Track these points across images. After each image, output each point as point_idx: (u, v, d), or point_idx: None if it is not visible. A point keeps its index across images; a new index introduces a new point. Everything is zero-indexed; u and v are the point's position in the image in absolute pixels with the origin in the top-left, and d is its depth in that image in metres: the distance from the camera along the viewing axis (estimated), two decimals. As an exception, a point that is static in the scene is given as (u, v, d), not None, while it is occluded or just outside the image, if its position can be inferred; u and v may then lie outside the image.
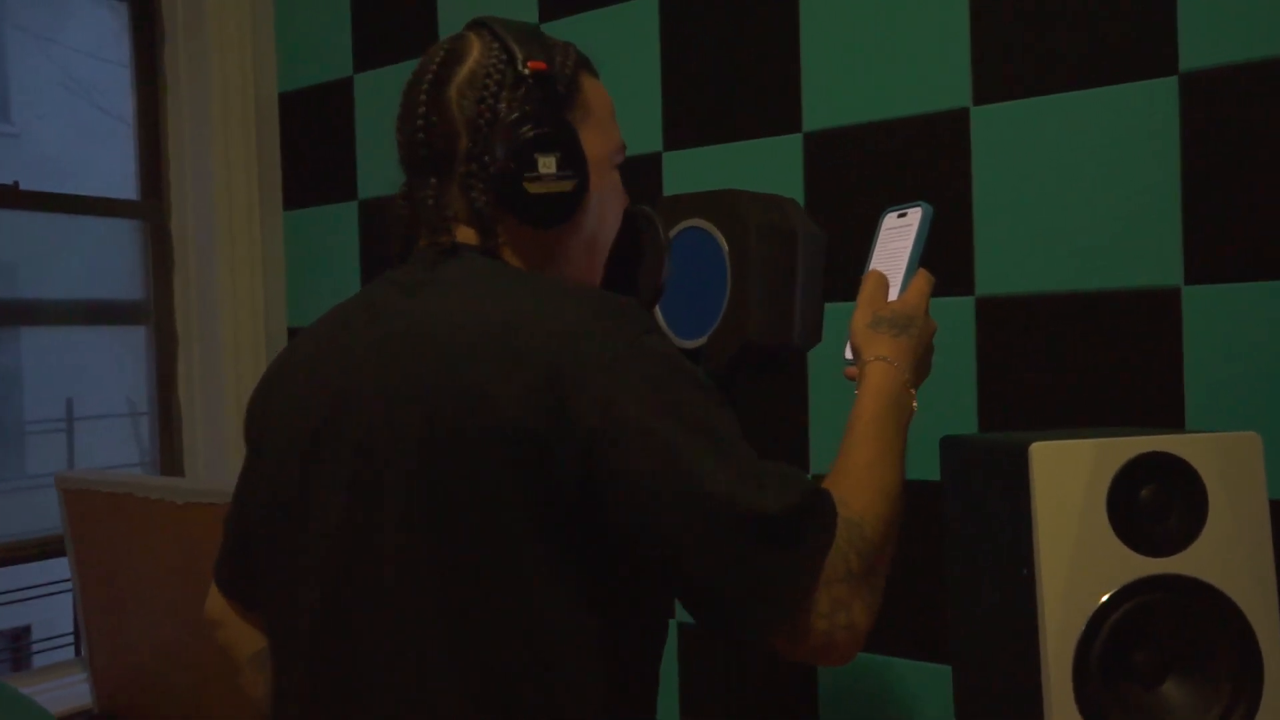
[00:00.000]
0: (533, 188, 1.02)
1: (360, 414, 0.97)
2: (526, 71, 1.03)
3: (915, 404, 1.08)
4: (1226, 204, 1.63)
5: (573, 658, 0.91)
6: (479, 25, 1.10)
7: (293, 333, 2.85)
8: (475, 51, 1.06)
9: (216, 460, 2.71)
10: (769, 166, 2.05)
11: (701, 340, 1.30)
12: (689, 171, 2.14)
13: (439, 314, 0.97)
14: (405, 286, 1.03)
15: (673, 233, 1.34)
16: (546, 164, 1.02)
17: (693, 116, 2.15)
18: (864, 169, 1.96)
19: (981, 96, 1.84)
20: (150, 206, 2.76)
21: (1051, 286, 1.78)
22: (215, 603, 1.20)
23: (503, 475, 0.89)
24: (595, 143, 1.08)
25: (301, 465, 1.01)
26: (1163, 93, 1.68)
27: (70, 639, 2.80)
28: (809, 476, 0.96)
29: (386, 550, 0.93)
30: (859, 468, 0.99)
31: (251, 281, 2.73)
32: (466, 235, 1.05)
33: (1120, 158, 1.72)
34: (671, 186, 2.17)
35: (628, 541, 0.90)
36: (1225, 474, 1.18)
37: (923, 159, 1.90)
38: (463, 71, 1.05)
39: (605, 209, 1.11)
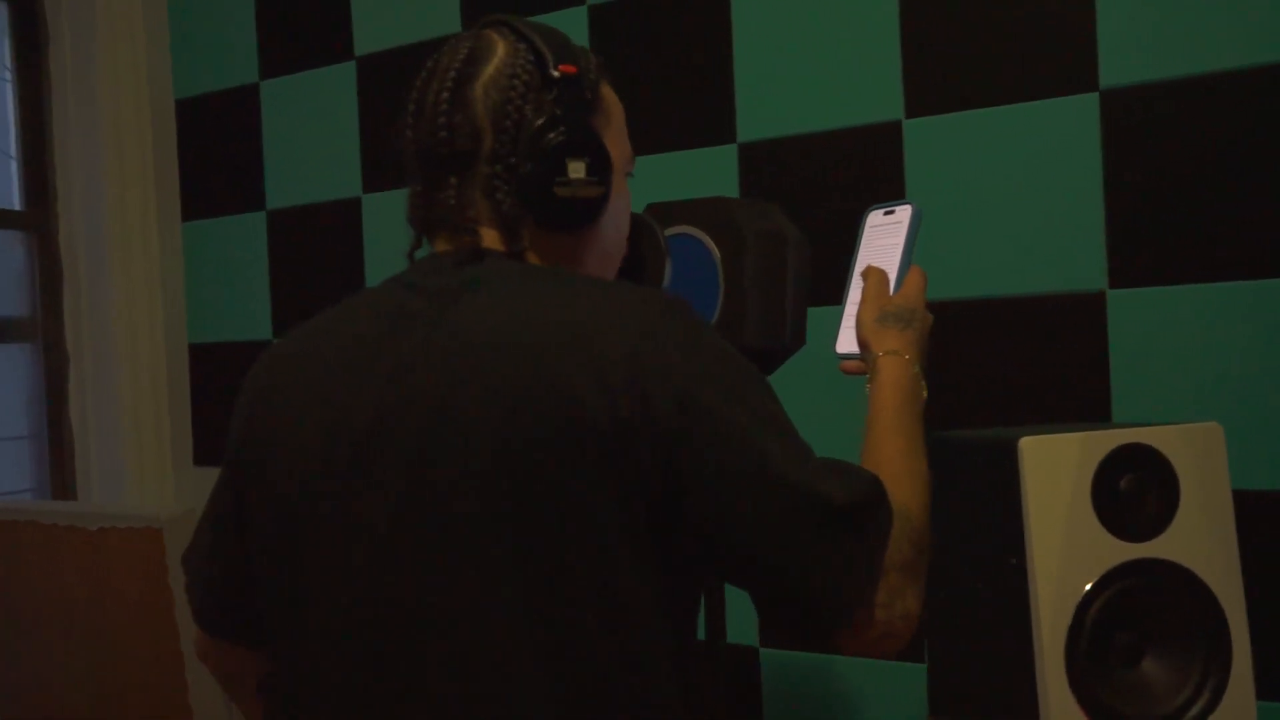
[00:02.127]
0: (561, 192, 1.01)
1: (413, 425, 0.93)
2: (557, 74, 1.02)
3: (926, 393, 1.12)
4: (1146, 212, 1.75)
5: (656, 656, 0.91)
6: (500, 24, 1.08)
7: (194, 349, 2.73)
8: (501, 50, 1.04)
9: (113, 484, 2.57)
10: (704, 177, 2.09)
11: (694, 345, 1.32)
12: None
13: (500, 316, 0.95)
14: (434, 291, 1.00)
15: (662, 238, 1.36)
16: (576, 169, 1.01)
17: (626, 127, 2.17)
18: (800, 179, 2.01)
19: (913, 110, 1.92)
20: (35, 216, 2.61)
21: (983, 292, 1.87)
22: (201, 641, 1.13)
23: (592, 468, 0.88)
24: (613, 150, 1.08)
25: (340, 483, 0.96)
26: (1085, 108, 1.79)
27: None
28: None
29: (459, 562, 0.91)
30: (893, 458, 1.01)
31: (149, 296, 2.60)
32: (490, 238, 1.03)
33: (1046, 169, 1.82)
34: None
35: (707, 532, 0.90)
36: (1193, 462, 1.27)
37: (857, 170, 1.96)
38: (489, 70, 1.03)
39: (620, 216, 1.12)
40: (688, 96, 2.11)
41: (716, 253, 1.30)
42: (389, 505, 0.93)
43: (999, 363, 1.86)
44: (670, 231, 1.36)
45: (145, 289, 2.59)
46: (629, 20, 2.16)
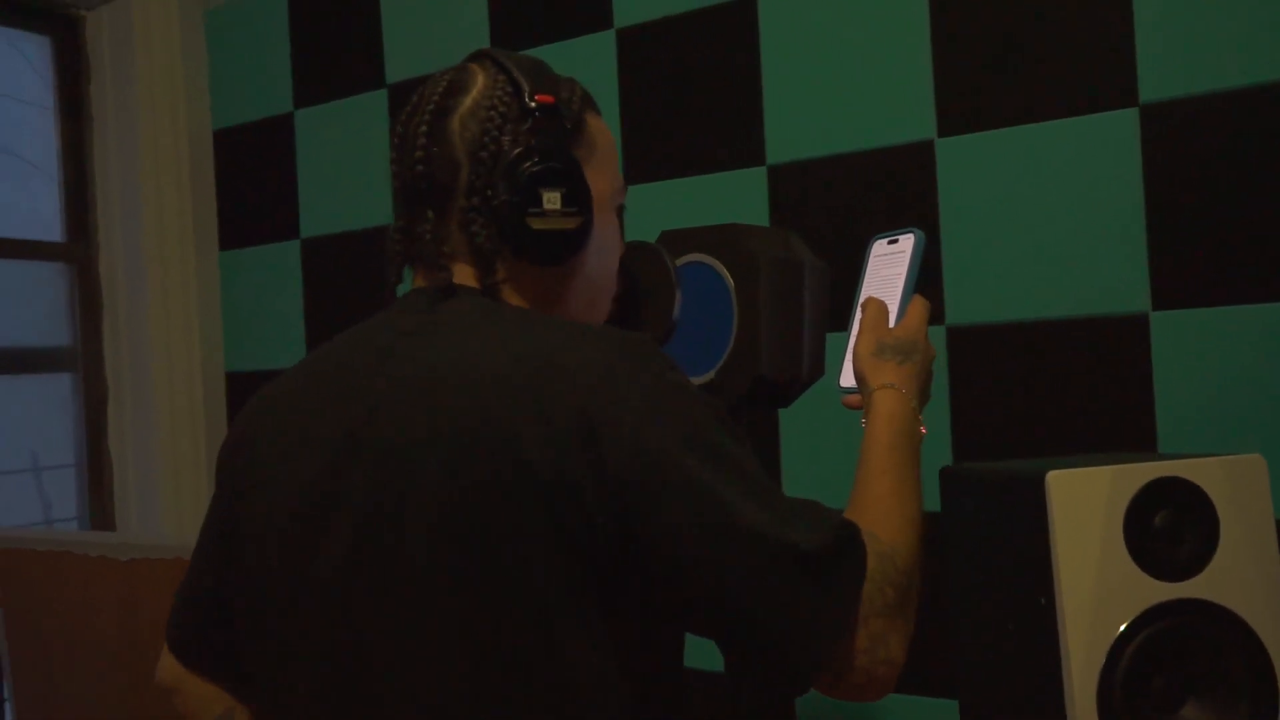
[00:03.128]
0: (536, 224, 0.98)
1: (371, 464, 0.91)
2: (533, 104, 1.00)
3: (924, 429, 1.07)
4: (1190, 230, 1.68)
5: (600, 711, 0.87)
6: (482, 56, 1.06)
7: (231, 378, 2.74)
8: (480, 82, 1.02)
9: (150, 514, 2.58)
10: (732, 200, 2.05)
11: (708, 376, 1.28)
12: (649, 207, 2.13)
13: (452, 358, 0.92)
14: (406, 329, 0.98)
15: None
16: (551, 199, 0.98)
17: (652, 150, 2.14)
18: (830, 201, 1.96)
19: (946, 129, 1.86)
20: (76, 248, 2.64)
21: (1020, 315, 1.81)
22: (170, 668, 1.11)
23: (534, 523, 0.85)
24: (599, 182, 1.05)
25: (305, 520, 0.95)
26: (1124, 124, 1.72)
27: (-6, 708, 2.63)
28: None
29: (402, 617, 0.88)
30: (881, 498, 0.97)
31: (186, 325, 2.62)
32: (464, 273, 1.01)
33: (1084, 187, 1.76)
34: (631, 221, 2.15)
35: (664, 585, 0.87)
36: (1233, 496, 1.20)
37: (889, 191, 1.91)
38: (466, 102, 1.01)
39: (606, 250, 1.08)
40: (715, 119, 2.08)
41: (730, 281, 1.26)
42: (338, 555, 0.92)
43: (1037, 390, 1.79)
44: (684, 260, 1.33)
45: (183, 318, 2.62)
46: (656, 43, 2.14)
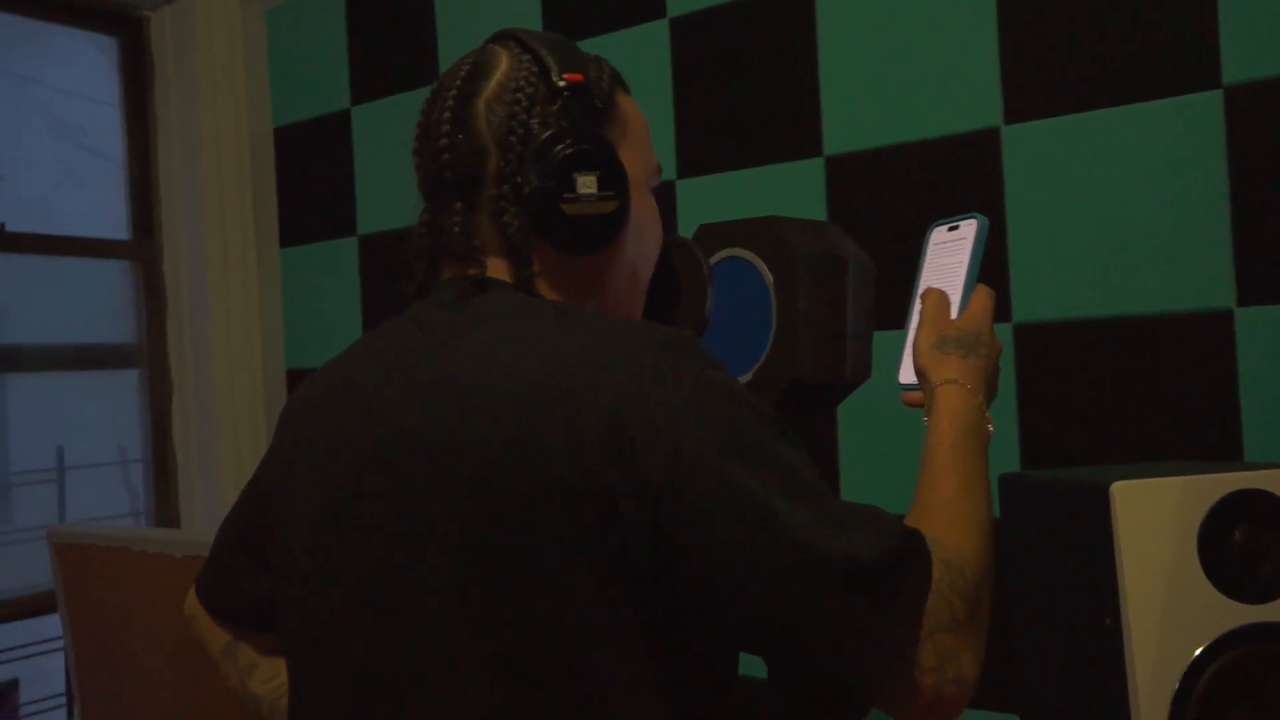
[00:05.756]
0: (571, 209, 0.92)
1: (397, 470, 0.88)
2: (562, 84, 0.94)
3: (991, 426, 0.99)
4: (1279, 220, 1.56)
5: None
6: (505, 37, 1.00)
7: (291, 375, 2.75)
8: (504, 63, 0.96)
9: (213, 509, 2.60)
10: (789, 192, 1.98)
11: (745, 378, 1.21)
12: (703, 199, 2.07)
13: (481, 359, 0.88)
14: (434, 328, 0.93)
15: (711, 262, 1.26)
16: (586, 183, 0.93)
17: (707, 142, 2.08)
18: (890, 193, 1.88)
19: (1013, 115, 1.77)
20: (141, 246, 2.67)
21: (1093, 311, 1.70)
22: (191, 600, 1.15)
23: (562, 533, 0.80)
24: (633, 163, 0.99)
25: (325, 530, 0.92)
26: (1206, 107, 1.61)
27: (63, 700, 2.67)
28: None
29: (430, 612, 0.85)
30: (946, 501, 0.90)
31: (247, 322, 2.64)
32: (497, 267, 0.96)
33: (1163, 175, 1.65)
34: (685, 215, 2.09)
35: (705, 600, 0.81)
36: (1321, 511, 1.10)
37: (952, 181, 1.82)
38: (491, 85, 0.95)
39: (645, 234, 1.02)
40: (771, 109, 2.00)
41: (770, 277, 1.19)
42: (364, 557, 0.89)
43: (1111, 392, 1.68)
44: (722, 254, 1.26)
45: (244, 315, 2.63)
46: (711, 31, 2.07)
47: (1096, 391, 1.70)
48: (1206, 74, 1.61)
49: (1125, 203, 1.68)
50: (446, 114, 0.96)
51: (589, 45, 2.20)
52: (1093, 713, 1.17)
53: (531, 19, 2.30)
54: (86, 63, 2.86)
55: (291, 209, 2.73)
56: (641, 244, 1.01)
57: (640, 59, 2.14)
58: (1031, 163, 1.75)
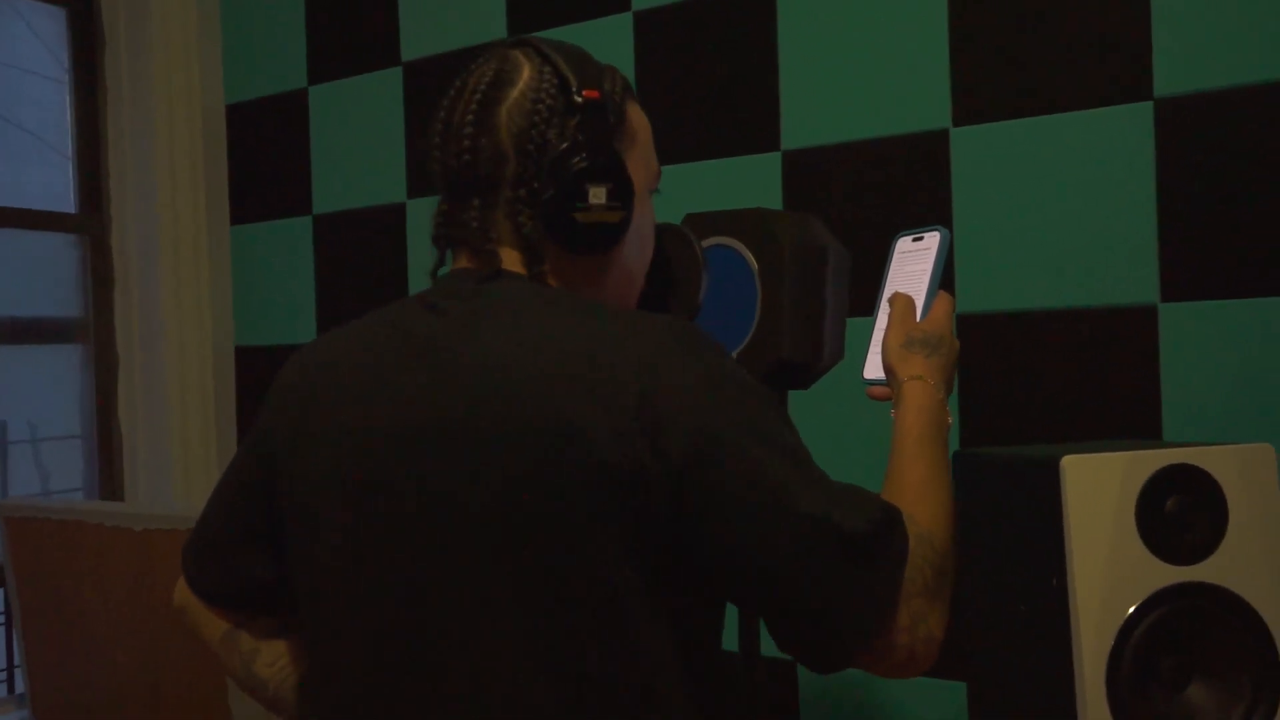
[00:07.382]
0: (583, 218, 1.02)
1: (423, 453, 0.94)
2: (580, 99, 1.03)
3: (950, 419, 1.11)
4: (1201, 223, 1.70)
5: (669, 686, 0.91)
6: (525, 44, 1.08)
7: (240, 352, 2.76)
8: (526, 73, 1.04)
9: (160, 485, 2.60)
10: (747, 184, 2.07)
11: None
12: (664, 189, 2.14)
13: (509, 347, 0.95)
14: (451, 313, 1.00)
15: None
16: (597, 194, 1.02)
17: (668, 134, 2.16)
18: (844, 188, 1.99)
19: (961, 118, 1.89)
20: (89, 220, 2.65)
21: (1030, 304, 1.83)
22: (182, 591, 1.18)
23: (595, 508, 0.88)
24: (638, 171, 1.09)
25: (351, 508, 0.97)
26: (1138, 117, 1.74)
27: (3, 675, 2.65)
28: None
29: (461, 596, 0.92)
30: (916, 484, 1.01)
31: (197, 299, 2.64)
32: (511, 259, 1.04)
33: (1097, 179, 1.78)
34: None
35: (723, 564, 0.91)
36: (1242, 484, 1.23)
37: (903, 179, 1.94)
38: (513, 94, 1.03)
39: (643, 236, 1.12)
40: (731, 103, 2.09)
41: (754, 264, 1.29)
42: (403, 539, 0.95)
43: (1046, 377, 1.82)
44: (708, 243, 1.35)
45: (194, 292, 2.63)
46: (673, 27, 2.15)
47: (1031, 377, 1.83)
48: (1139, 87, 1.74)
49: (1062, 204, 1.81)
50: (470, 116, 1.03)
51: (553, 36, 2.26)
52: (1038, 669, 1.28)
53: (495, 7, 2.35)
54: (29, 36, 2.81)
55: (243, 186, 2.74)
56: (640, 245, 1.11)
57: (604, 52, 2.20)
58: (977, 164, 1.87)
